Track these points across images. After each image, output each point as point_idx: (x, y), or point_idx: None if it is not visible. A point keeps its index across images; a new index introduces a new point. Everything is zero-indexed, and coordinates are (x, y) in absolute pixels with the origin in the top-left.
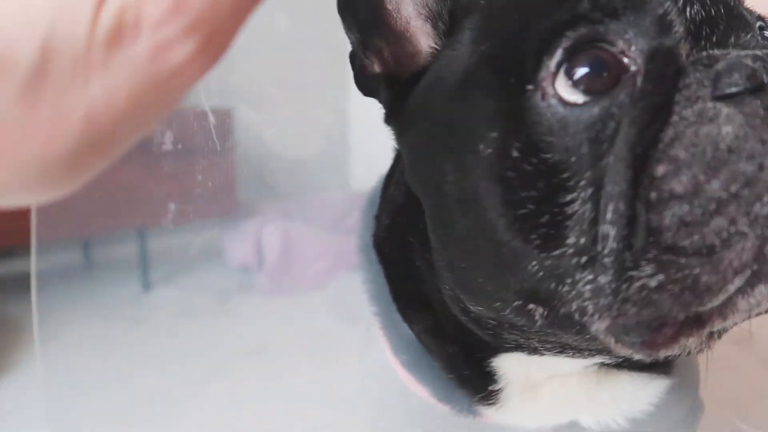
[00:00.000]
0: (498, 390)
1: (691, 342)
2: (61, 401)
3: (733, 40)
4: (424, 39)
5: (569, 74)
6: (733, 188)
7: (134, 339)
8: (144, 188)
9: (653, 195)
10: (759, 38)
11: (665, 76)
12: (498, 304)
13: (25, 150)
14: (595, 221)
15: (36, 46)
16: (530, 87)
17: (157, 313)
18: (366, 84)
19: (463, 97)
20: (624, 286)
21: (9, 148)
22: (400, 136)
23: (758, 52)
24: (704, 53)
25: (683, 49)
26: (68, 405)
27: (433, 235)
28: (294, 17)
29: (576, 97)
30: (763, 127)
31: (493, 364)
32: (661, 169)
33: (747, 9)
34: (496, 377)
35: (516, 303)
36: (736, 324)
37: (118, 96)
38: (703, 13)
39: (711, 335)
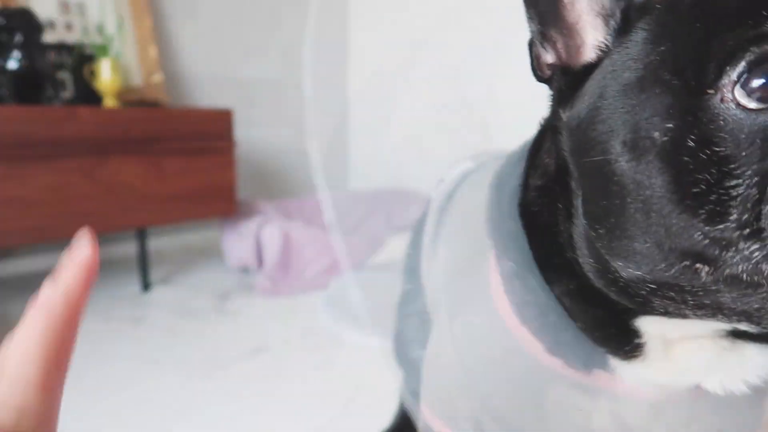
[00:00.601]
0: (642, 344)
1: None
2: (66, 400)
3: None
4: (593, 33)
5: (747, 83)
6: None
7: (133, 338)
8: (144, 188)
9: None
10: None
11: None
12: (663, 265)
13: None
14: (759, 201)
15: None
16: (710, 91)
17: (156, 313)
18: (541, 71)
19: (641, 90)
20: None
21: None
22: (568, 119)
23: None
24: None
25: None
26: (66, 404)
27: (585, 206)
28: (298, 17)
29: (752, 103)
30: None
31: (638, 322)
32: None
33: None
34: (639, 333)
35: (684, 263)
36: None
37: None
38: None
39: None
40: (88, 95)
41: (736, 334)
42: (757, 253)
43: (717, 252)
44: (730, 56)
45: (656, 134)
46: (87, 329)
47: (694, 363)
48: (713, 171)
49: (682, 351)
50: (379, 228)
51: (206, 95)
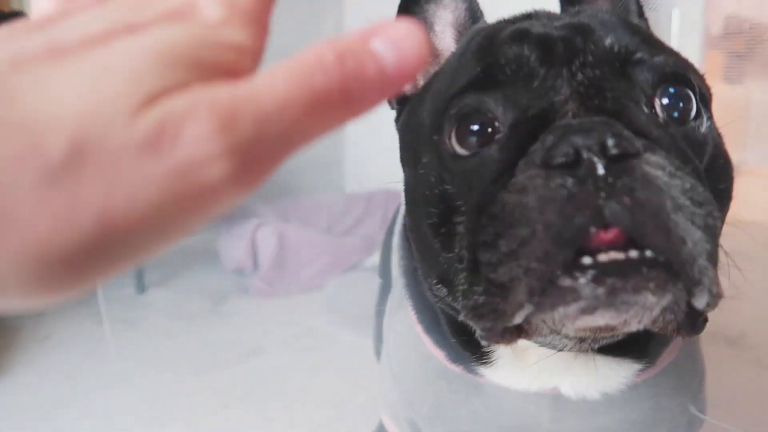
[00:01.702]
0: (490, 351)
1: (523, 339)
2: (55, 402)
3: (611, 106)
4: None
5: (457, 132)
6: (514, 246)
7: (128, 341)
8: None
9: (478, 238)
10: (644, 107)
11: (518, 142)
12: (429, 279)
13: (28, 239)
14: (472, 241)
15: (65, 140)
16: (436, 137)
17: (150, 315)
18: (396, 100)
19: (419, 124)
20: (469, 297)
21: (12, 237)
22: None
23: (610, 128)
24: (568, 121)
25: (569, 109)
26: (60, 405)
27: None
28: (292, 18)
29: (462, 150)
30: (550, 200)
31: None
32: (483, 220)
33: (657, 68)
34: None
35: (434, 280)
36: (573, 336)
37: (137, 203)
38: (591, 78)
39: (581, 341)
40: None
41: (596, 349)
42: (460, 288)
43: (450, 278)
44: (444, 109)
45: (419, 166)
46: (81, 331)
47: (543, 369)
48: (443, 206)
49: (534, 358)
50: (374, 229)
51: None
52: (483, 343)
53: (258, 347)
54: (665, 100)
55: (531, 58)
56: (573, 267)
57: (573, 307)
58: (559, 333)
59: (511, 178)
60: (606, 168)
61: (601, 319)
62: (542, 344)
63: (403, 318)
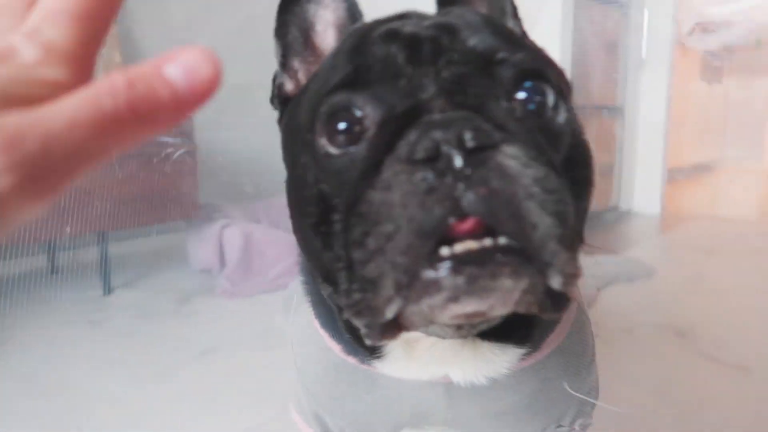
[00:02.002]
0: (381, 345)
1: (404, 335)
2: (17, 402)
3: (473, 101)
4: None
5: (327, 131)
6: (381, 242)
7: (90, 341)
8: (105, 192)
9: (350, 237)
10: (504, 102)
11: (386, 139)
12: (317, 278)
13: None
14: (346, 238)
15: None
16: (310, 137)
17: (114, 316)
18: (280, 99)
19: (297, 125)
20: (347, 296)
21: None
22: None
23: (470, 122)
24: (431, 117)
25: (435, 106)
26: (20, 405)
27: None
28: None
29: (332, 149)
30: (412, 194)
31: None
32: (353, 219)
33: (516, 65)
34: None
35: (320, 280)
36: (450, 324)
37: None
38: (456, 75)
39: (459, 327)
40: None
41: (479, 334)
42: (341, 287)
43: (333, 276)
44: (315, 108)
45: (297, 166)
46: (44, 332)
47: (432, 359)
48: (322, 205)
49: (423, 348)
50: None
51: None
52: (366, 341)
53: (217, 345)
54: (523, 95)
55: (399, 58)
56: (434, 259)
57: (437, 298)
58: (434, 323)
59: (379, 176)
60: (464, 160)
61: (468, 306)
62: (430, 334)
63: (304, 313)
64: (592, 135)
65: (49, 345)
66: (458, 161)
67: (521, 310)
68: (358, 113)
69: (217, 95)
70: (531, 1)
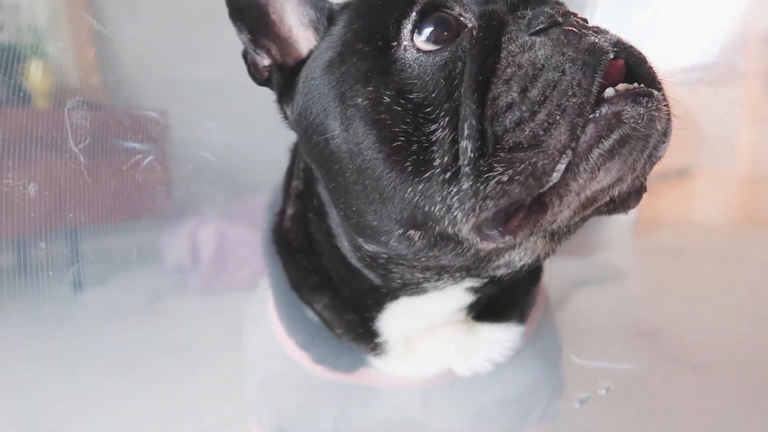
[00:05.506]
0: (382, 342)
1: (542, 224)
2: None
3: (535, 5)
4: (305, 38)
5: (421, 31)
6: (547, 91)
7: (57, 339)
8: (80, 187)
9: (494, 110)
10: (554, 4)
11: (494, 27)
12: (384, 237)
13: None
14: (454, 141)
15: None
16: (394, 44)
17: (83, 313)
18: (259, 75)
19: (341, 64)
20: (482, 187)
21: None
22: (291, 114)
23: (552, 7)
24: (518, 13)
25: (503, 12)
26: None
27: (328, 193)
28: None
29: (428, 46)
30: (564, 44)
31: (379, 323)
32: (496, 89)
33: None
34: (380, 333)
35: (398, 232)
36: (571, 211)
37: None
38: None
39: (552, 236)
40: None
41: (476, 317)
42: (455, 198)
43: (427, 208)
44: (402, 12)
45: (359, 100)
46: (9, 330)
47: (434, 354)
48: (409, 120)
49: (425, 344)
50: None
51: (150, 97)
52: (482, 243)
53: (185, 343)
54: None
55: None
56: (599, 102)
57: (609, 143)
58: (570, 208)
59: (500, 54)
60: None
61: (614, 168)
62: (430, 328)
63: (265, 326)
64: None
65: (17, 342)
66: (577, 27)
67: (636, 184)
68: (455, 9)
69: (192, 93)
70: None
